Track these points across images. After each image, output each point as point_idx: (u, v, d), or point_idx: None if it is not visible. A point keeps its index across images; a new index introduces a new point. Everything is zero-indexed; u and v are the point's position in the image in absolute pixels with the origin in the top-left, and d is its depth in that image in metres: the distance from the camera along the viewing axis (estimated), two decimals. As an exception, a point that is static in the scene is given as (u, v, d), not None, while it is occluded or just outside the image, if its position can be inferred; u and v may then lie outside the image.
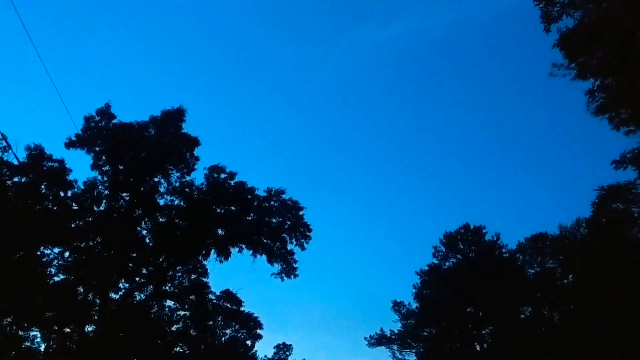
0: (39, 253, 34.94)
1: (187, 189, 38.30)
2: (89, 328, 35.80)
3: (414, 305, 61.80)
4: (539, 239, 54.80)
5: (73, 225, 35.27)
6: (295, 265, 39.77)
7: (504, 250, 56.09)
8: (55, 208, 35.09)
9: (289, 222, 39.99)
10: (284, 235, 39.91)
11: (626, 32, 20.20)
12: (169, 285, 39.16)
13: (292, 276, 39.91)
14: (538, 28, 22.56)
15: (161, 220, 37.83)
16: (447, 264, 58.39)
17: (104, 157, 36.58)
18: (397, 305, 63.48)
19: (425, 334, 60.61)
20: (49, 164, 34.60)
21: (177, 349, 42.19)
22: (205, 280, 39.90)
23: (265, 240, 39.38)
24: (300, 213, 39.86)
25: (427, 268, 59.21)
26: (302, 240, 40.07)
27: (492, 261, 54.04)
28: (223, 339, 52.17)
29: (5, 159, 33.33)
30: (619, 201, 30.29)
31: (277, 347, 75.22)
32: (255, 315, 43.62)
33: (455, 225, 59.84)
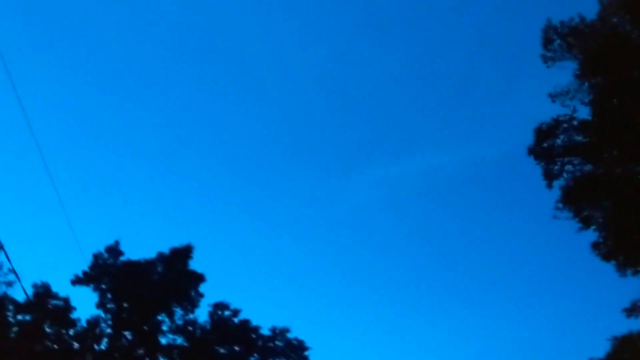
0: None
1: (190, 327, 37.72)
2: None
3: None
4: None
5: (72, 366, 34.52)
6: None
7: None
8: (56, 347, 34.54)
9: (293, 363, 38.97)
10: (289, 377, 38.75)
11: (625, 185, 21.01)
12: None
13: None
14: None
15: (162, 360, 36.99)
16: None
17: (109, 295, 36.48)
18: None
19: None
20: (54, 302, 34.61)
21: None
22: None
23: (268, 383, 38.18)
24: (305, 354, 38.98)
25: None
26: (307, 383, 38.84)
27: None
28: None
29: (10, 294, 33.37)
30: (632, 351, 29.66)
31: None
32: None
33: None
